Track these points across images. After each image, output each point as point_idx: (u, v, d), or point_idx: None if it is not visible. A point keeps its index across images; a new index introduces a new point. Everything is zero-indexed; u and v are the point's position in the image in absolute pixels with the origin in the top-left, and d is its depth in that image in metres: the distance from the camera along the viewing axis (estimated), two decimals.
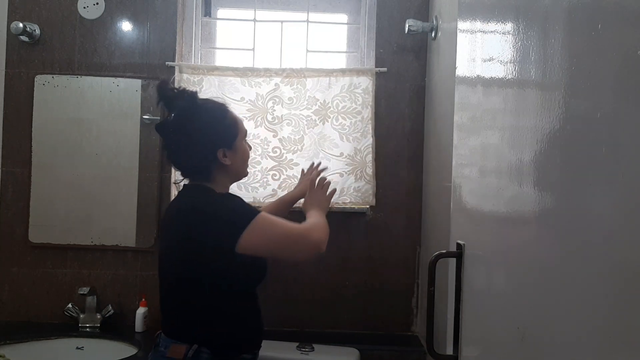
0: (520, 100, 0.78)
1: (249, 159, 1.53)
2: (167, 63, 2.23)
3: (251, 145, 1.57)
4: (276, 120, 2.22)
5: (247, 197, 2.20)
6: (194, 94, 1.41)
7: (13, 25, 2.14)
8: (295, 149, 2.22)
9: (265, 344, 2.03)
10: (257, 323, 1.49)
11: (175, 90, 1.41)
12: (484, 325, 0.91)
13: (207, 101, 1.46)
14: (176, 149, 1.40)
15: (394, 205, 2.27)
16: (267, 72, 2.23)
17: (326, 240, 1.45)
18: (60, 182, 2.20)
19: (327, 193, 1.73)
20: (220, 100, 1.49)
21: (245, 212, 1.35)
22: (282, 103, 2.22)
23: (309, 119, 2.22)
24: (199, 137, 1.38)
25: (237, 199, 1.40)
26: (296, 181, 2.21)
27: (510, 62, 0.82)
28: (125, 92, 2.22)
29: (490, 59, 0.93)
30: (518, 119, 0.78)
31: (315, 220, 1.51)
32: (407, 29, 2.12)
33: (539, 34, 0.72)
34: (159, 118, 2.23)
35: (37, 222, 2.20)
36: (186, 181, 1.48)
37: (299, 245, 1.39)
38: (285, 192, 2.21)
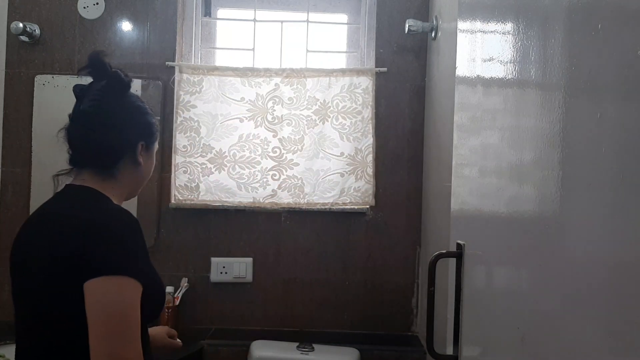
0: (520, 100, 0.78)
1: (146, 180, 1.21)
2: (167, 63, 2.23)
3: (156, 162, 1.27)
4: (276, 120, 2.22)
5: (247, 197, 2.21)
6: (128, 78, 1.16)
7: (13, 25, 2.14)
8: (295, 149, 2.22)
9: (265, 344, 2.04)
10: None
11: (110, 66, 1.15)
12: (484, 325, 0.91)
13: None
14: (93, 120, 1.09)
15: (394, 205, 2.27)
16: (267, 72, 2.23)
17: None
18: (60, 182, 2.19)
19: None
20: None
21: (131, 258, 0.99)
22: (282, 103, 2.22)
23: (309, 119, 2.22)
24: (128, 116, 1.13)
25: (140, 233, 1.06)
26: (296, 181, 2.21)
27: (510, 62, 0.82)
28: None
29: (490, 59, 0.93)
30: (518, 119, 0.78)
31: None
32: (407, 29, 2.12)
33: (539, 34, 0.72)
34: (158, 118, 2.23)
35: None
36: (68, 179, 1.14)
37: (107, 350, 0.92)
38: (285, 192, 2.22)
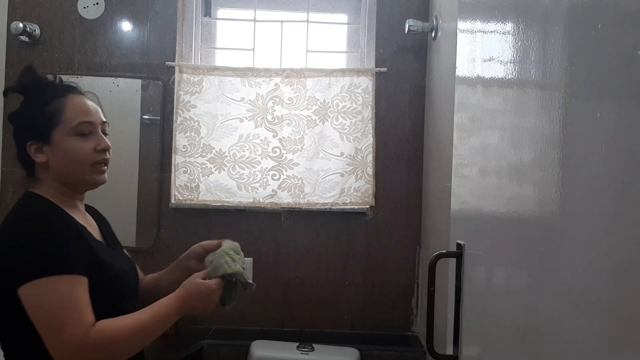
0: (520, 100, 0.78)
1: (91, 162, 1.15)
2: (167, 63, 2.23)
3: (108, 144, 1.20)
4: (276, 120, 2.22)
5: (247, 197, 2.21)
6: (30, 83, 1.19)
7: (13, 25, 2.14)
8: (295, 149, 2.22)
9: (265, 344, 2.04)
10: None
11: (40, 78, 1.21)
12: (484, 325, 0.91)
13: (53, 83, 1.23)
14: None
15: (394, 205, 2.27)
16: (267, 72, 2.23)
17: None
18: None
19: (215, 297, 1.15)
20: (73, 84, 1.23)
21: (54, 258, 1.00)
22: (282, 103, 2.22)
23: (309, 119, 2.22)
24: (16, 121, 1.17)
25: (61, 233, 1.04)
26: (296, 181, 2.21)
27: (510, 62, 0.82)
28: (125, 92, 2.22)
29: (490, 59, 0.93)
30: (518, 119, 0.78)
31: (150, 318, 1.06)
32: (407, 29, 2.12)
33: (539, 34, 0.72)
34: (158, 118, 2.23)
35: None
36: None
37: (52, 343, 0.97)
38: (285, 192, 2.22)
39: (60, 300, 0.98)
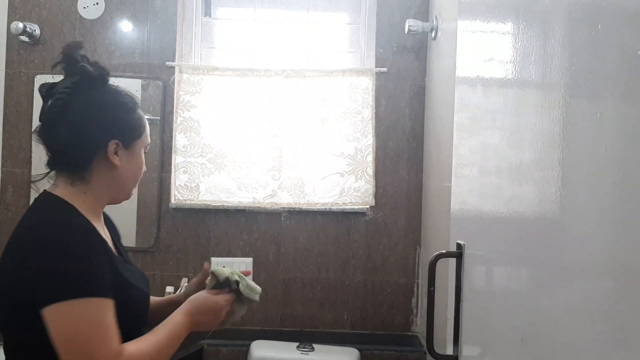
0: (520, 100, 0.78)
1: (138, 180, 1.14)
2: (167, 63, 2.23)
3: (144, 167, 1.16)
4: (276, 120, 2.22)
5: (247, 197, 2.21)
6: (107, 71, 1.10)
7: (13, 25, 2.14)
8: (295, 149, 2.22)
9: (265, 344, 2.04)
10: None
11: (86, 58, 1.09)
12: (484, 325, 0.91)
13: (119, 87, 1.14)
14: (57, 119, 1.02)
15: (394, 205, 2.27)
16: (267, 72, 2.23)
17: None
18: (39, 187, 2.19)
19: (223, 313, 1.13)
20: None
21: (85, 279, 0.94)
22: (282, 103, 2.22)
23: (309, 119, 2.22)
24: (96, 113, 1.04)
25: (93, 254, 0.96)
26: (296, 181, 2.21)
27: (510, 62, 0.82)
28: None
29: (490, 59, 0.93)
30: (518, 119, 0.78)
31: (168, 338, 1.03)
32: (407, 29, 2.12)
33: (539, 34, 0.72)
34: (158, 118, 2.23)
35: None
36: (47, 184, 1.07)
37: None
38: (285, 192, 2.22)
39: (90, 324, 0.92)
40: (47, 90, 1.04)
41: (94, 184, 1.04)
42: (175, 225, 2.25)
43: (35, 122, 2.20)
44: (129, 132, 1.07)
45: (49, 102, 1.02)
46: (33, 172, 2.18)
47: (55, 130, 1.02)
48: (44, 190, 1.04)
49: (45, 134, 1.03)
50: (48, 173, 1.06)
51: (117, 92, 1.10)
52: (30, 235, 0.96)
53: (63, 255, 0.93)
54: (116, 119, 1.06)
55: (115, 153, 1.04)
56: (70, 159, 1.03)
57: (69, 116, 1.01)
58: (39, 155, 2.16)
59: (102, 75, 1.07)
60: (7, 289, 0.95)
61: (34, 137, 1.07)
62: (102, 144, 1.03)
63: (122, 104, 1.08)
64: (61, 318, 0.91)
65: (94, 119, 1.03)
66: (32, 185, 1.13)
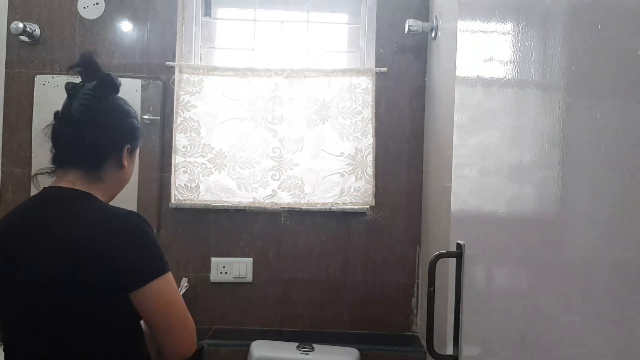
0: (520, 100, 0.78)
1: (127, 183, 1.22)
2: (167, 63, 2.23)
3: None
4: (276, 120, 2.22)
5: (247, 197, 2.21)
6: (118, 81, 1.18)
7: (13, 25, 2.14)
8: (295, 149, 2.22)
9: (265, 344, 2.04)
10: None
11: (102, 68, 1.15)
12: (484, 325, 0.91)
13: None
14: (82, 121, 1.08)
15: (394, 205, 2.27)
16: (267, 72, 2.23)
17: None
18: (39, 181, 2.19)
19: None
20: None
21: (163, 256, 1.05)
22: (282, 103, 2.22)
23: (309, 119, 2.22)
24: (115, 119, 1.14)
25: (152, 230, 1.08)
26: (296, 181, 2.21)
27: (510, 62, 0.82)
28: (125, 92, 2.17)
29: (490, 59, 0.93)
30: (518, 119, 0.78)
31: None
32: (407, 29, 2.12)
33: (539, 34, 0.72)
34: (158, 118, 2.23)
35: None
36: (48, 179, 1.15)
37: (187, 333, 1.05)
38: (285, 192, 2.22)
39: (179, 294, 1.06)
40: (73, 89, 1.11)
41: (105, 182, 1.12)
42: (175, 226, 2.25)
43: (35, 122, 2.20)
44: (137, 139, 1.19)
45: (74, 104, 1.09)
46: (33, 172, 2.18)
47: (78, 131, 1.09)
48: (57, 185, 1.09)
49: (67, 133, 1.09)
50: (55, 169, 1.12)
51: (125, 101, 1.19)
52: (109, 226, 1.01)
53: (151, 237, 1.04)
54: (130, 125, 1.17)
55: (127, 155, 1.16)
56: (90, 158, 1.10)
57: (92, 119, 1.09)
58: (39, 155, 2.17)
59: (119, 84, 1.16)
60: (95, 278, 0.98)
61: (47, 132, 1.12)
62: (119, 147, 1.14)
63: (133, 113, 1.20)
64: (164, 290, 1.02)
65: (115, 124, 1.14)
66: (33, 179, 1.18)
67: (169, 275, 1.03)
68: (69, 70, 1.16)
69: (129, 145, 1.16)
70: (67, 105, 1.10)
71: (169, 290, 1.02)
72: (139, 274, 0.99)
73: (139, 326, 1.08)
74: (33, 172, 2.18)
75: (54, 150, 1.12)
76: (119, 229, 1.01)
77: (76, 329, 1.00)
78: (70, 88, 1.11)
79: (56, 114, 1.12)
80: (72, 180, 1.08)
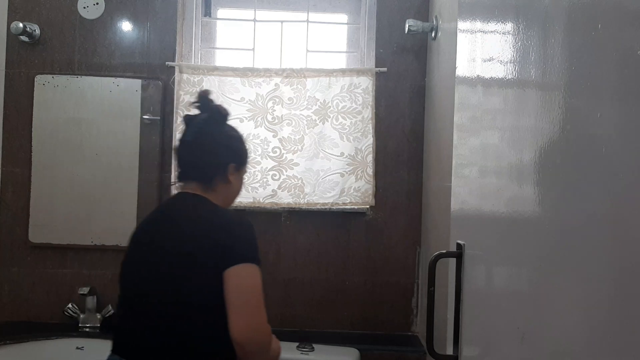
0: (520, 100, 0.78)
1: (237, 196, 1.47)
2: (167, 63, 2.23)
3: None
4: (276, 120, 2.22)
5: (247, 197, 2.21)
6: (229, 112, 1.43)
7: (13, 25, 2.14)
8: (295, 149, 2.22)
9: None
10: None
11: (213, 103, 1.42)
12: (484, 325, 0.91)
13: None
14: (196, 146, 1.37)
15: (394, 205, 2.27)
16: (267, 72, 2.23)
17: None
18: (60, 182, 2.20)
19: None
20: None
21: (258, 250, 1.27)
22: (282, 103, 2.22)
23: (309, 119, 2.22)
24: (222, 142, 1.39)
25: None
26: (296, 181, 2.21)
27: (510, 62, 0.82)
28: (125, 92, 2.22)
29: (490, 59, 0.93)
30: (518, 119, 0.78)
31: (276, 346, 1.40)
32: (407, 29, 2.12)
33: (539, 34, 0.72)
34: (158, 118, 2.23)
35: (37, 222, 2.20)
36: (176, 187, 1.43)
37: (255, 320, 1.25)
38: (285, 192, 2.21)
39: (260, 288, 1.24)
40: (188, 120, 1.40)
41: (216, 192, 1.36)
42: None
43: (35, 122, 2.20)
44: (242, 159, 1.44)
45: (190, 132, 1.38)
46: (33, 172, 2.18)
47: (193, 154, 1.38)
48: (186, 192, 1.38)
49: (185, 156, 1.39)
50: (179, 181, 1.41)
51: (234, 128, 1.45)
52: (220, 220, 1.28)
53: (250, 232, 1.27)
54: (236, 148, 1.42)
55: (232, 173, 1.39)
56: (203, 173, 1.37)
57: (203, 143, 1.37)
58: (39, 155, 2.17)
59: (227, 114, 1.41)
60: (205, 258, 1.21)
61: (174, 153, 1.45)
62: (223, 165, 1.37)
63: (239, 138, 1.44)
64: (246, 276, 1.21)
65: (222, 147, 1.39)
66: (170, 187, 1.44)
67: (256, 267, 1.23)
68: (190, 106, 1.45)
69: (233, 164, 1.38)
70: (184, 132, 1.39)
71: (250, 278, 1.21)
72: (233, 256, 1.21)
73: None
74: (33, 172, 2.18)
75: (178, 169, 1.42)
76: (226, 222, 1.27)
77: (184, 302, 1.21)
78: (187, 119, 1.40)
79: (180, 139, 1.41)
80: (194, 189, 1.36)
